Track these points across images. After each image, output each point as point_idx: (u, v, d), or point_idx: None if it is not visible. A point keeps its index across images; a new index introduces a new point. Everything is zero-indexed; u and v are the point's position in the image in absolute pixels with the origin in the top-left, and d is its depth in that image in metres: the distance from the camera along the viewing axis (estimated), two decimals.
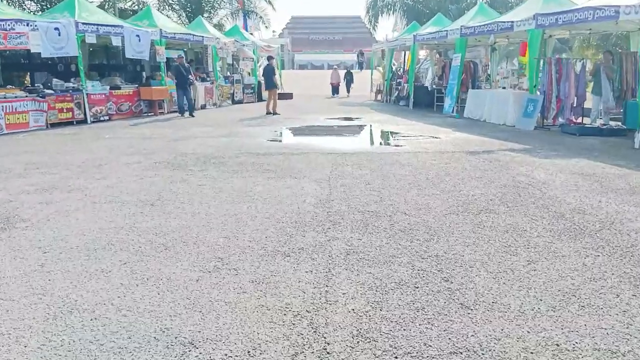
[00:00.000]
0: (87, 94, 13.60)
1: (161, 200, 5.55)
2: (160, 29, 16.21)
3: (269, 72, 16.79)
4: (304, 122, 13.93)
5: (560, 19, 11.06)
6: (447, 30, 15.78)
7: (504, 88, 14.31)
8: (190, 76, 15.24)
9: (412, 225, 4.66)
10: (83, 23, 13.45)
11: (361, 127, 13.30)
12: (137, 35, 15.08)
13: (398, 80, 21.35)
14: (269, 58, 18.16)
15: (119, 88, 14.87)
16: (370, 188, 6.08)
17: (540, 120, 12.00)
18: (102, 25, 14.01)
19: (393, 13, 27.97)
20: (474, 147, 9.16)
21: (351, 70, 28.61)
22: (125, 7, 23.26)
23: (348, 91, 27.30)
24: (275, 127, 12.77)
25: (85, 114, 13.57)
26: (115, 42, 14.47)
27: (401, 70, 22.59)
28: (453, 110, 15.04)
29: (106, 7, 21.63)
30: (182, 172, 6.99)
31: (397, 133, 11.51)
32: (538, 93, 12.17)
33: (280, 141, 10.46)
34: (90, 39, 13.79)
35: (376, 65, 27.51)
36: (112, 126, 12.81)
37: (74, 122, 13.25)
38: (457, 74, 15.03)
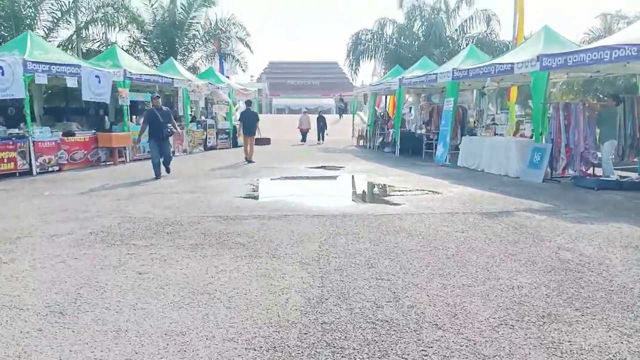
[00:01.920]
0: (33, 141, 11.85)
1: (78, 303, 3.82)
2: (124, 69, 14.71)
3: (249, 117, 15.35)
4: (283, 172, 12.38)
5: (570, 59, 9.92)
6: (436, 74, 14.67)
7: (501, 135, 13.07)
8: (168, 124, 11.16)
9: (453, 351, 3.04)
10: (32, 62, 11.85)
11: (348, 179, 11.79)
12: (97, 76, 13.54)
13: (382, 125, 20.17)
14: (248, 102, 16.81)
15: (73, 134, 13.15)
16: (376, 274, 4.46)
17: (548, 171, 10.69)
18: (55, 64, 12.43)
19: (374, 58, 27.17)
20: (487, 207, 7.68)
21: (323, 115, 26.18)
22: (92, 47, 21.76)
23: (321, 138, 24.73)
24: (250, 178, 11.17)
25: (30, 165, 11.78)
26: (71, 83, 12.86)
27: (385, 115, 21.45)
28: (446, 159, 13.72)
29: (70, 47, 20.13)
30: (121, 250, 5.27)
31: (390, 186, 10.01)
32: (544, 141, 10.92)
33: (256, 198, 8.83)
34: (41, 79, 12.16)
35: (358, 110, 26.47)
36: (60, 179, 11.02)
37: (17, 174, 11.44)
38: (449, 119, 13.81)
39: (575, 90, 32.20)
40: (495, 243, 5.57)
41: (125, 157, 14.45)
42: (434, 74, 14.91)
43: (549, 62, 10.51)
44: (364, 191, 10.05)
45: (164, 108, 11.44)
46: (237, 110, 30.86)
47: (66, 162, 12.74)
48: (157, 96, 11.56)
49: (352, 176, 11.95)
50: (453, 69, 13.64)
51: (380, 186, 10.26)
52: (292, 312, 3.65)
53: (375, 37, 26.92)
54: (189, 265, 4.73)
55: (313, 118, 26.10)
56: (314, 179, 11.56)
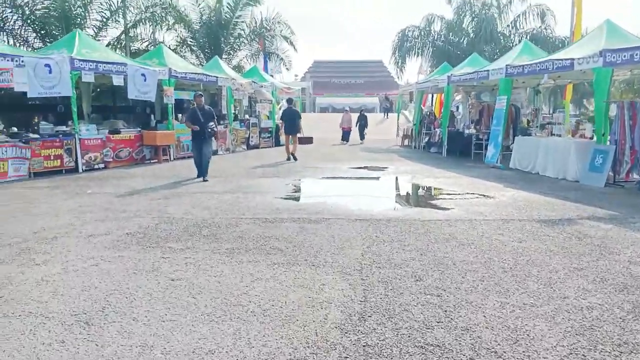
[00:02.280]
0: (79, 139, 12.01)
1: (105, 312, 3.61)
2: (169, 68, 14.77)
3: (291, 115, 15.33)
4: (325, 172, 12.05)
5: (637, 55, 9.13)
6: (488, 70, 13.97)
7: (558, 136, 12.27)
8: (211, 123, 10.40)
9: None
10: (79, 60, 12.01)
11: (393, 180, 11.33)
12: (143, 74, 13.62)
13: (428, 124, 19.52)
14: (289, 100, 16.73)
15: (119, 132, 13.28)
16: (424, 289, 4.05)
17: (611, 175, 9.90)
18: (101, 62, 12.55)
19: (421, 55, 26.43)
20: (545, 213, 7.09)
21: (365, 113, 25.40)
22: (140, 47, 22.13)
23: (362, 137, 24.00)
24: (292, 178, 10.90)
25: (76, 162, 11.94)
26: (117, 81, 12.97)
27: (431, 114, 20.78)
28: (497, 160, 13.02)
29: (119, 46, 20.51)
30: (155, 253, 5.07)
31: (438, 189, 9.51)
32: (608, 143, 10.12)
33: (296, 199, 8.53)
34: (88, 77, 12.31)
35: (402, 109, 25.84)
36: (105, 176, 11.10)
37: (63, 171, 11.61)
38: (501, 118, 13.10)
39: (636, 89, 30.33)
40: (558, 255, 5.03)
41: (169, 155, 14.51)
42: (485, 70, 14.21)
43: (614, 57, 9.72)
44: (409, 194, 9.58)
45: (207, 107, 10.77)
46: (280, 108, 30.87)
47: (112, 159, 12.87)
48: (200, 94, 10.82)
49: (397, 178, 11.49)
50: (507, 65, 12.93)
51: (427, 189, 9.76)
52: (331, 330, 3.30)
53: (422, 33, 26.20)
54: (223, 272, 4.46)
55: (356, 117, 25.42)
56: (356, 180, 11.16)
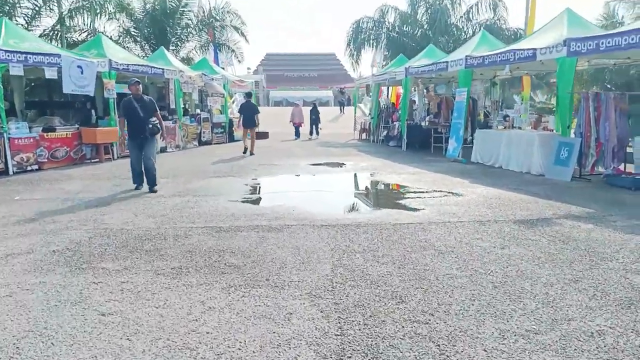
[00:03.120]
0: (9, 138, 10.77)
1: None
2: (110, 59, 13.59)
3: (249, 109, 15.00)
4: (283, 170, 11.33)
5: (603, 43, 8.88)
6: (447, 62, 13.59)
7: (519, 128, 12.03)
8: (153, 119, 8.45)
9: None
10: (6, 51, 10.75)
11: (356, 177, 10.75)
12: (79, 67, 12.43)
13: (386, 118, 19.10)
14: (248, 94, 16.39)
15: (54, 130, 12.07)
16: (409, 314, 3.44)
17: (577, 168, 9.68)
18: (31, 53, 11.30)
19: (375, 47, 26.00)
20: (520, 213, 6.66)
21: (317, 106, 23.66)
22: (79, 38, 20.57)
23: (315, 132, 22.37)
24: (248, 177, 10.12)
25: (6, 164, 10.70)
26: (49, 74, 11.74)
27: (390, 107, 20.38)
28: (459, 154, 12.68)
29: (55, 37, 18.94)
30: (86, 277, 4.23)
31: (404, 187, 8.98)
32: (573, 135, 9.90)
33: (254, 202, 7.77)
34: (16, 70, 11.06)
35: (358, 102, 25.39)
36: (37, 179, 9.96)
37: None
38: (462, 111, 12.75)
39: (585, 80, 31.04)
40: (547, 264, 4.54)
41: (112, 154, 13.38)
42: (444, 62, 13.83)
43: (578, 46, 9.46)
44: (374, 193, 9.00)
45: (146, 97, 8.52)
46: (233, 102, 29.76)
47: (46, 160, 11.67)
48: (136, 81, 8.41)
49: (359, 175, 10.91)
50: (466, 56, 12.57)
51: (392, 186, 9.22)
52: None
53: (376, 25, 25.75)
54: (168, 301, 3.70)
55: (307, 111, 24.17)
56: (317, 178, 10.50)
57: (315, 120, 22.66)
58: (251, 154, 14.54)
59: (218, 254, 4.82)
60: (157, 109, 8.63)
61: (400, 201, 7.71)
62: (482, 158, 12.21)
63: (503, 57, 11.30)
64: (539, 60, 10.61)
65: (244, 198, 7.96)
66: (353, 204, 7.84)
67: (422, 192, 8.43)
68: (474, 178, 9.83)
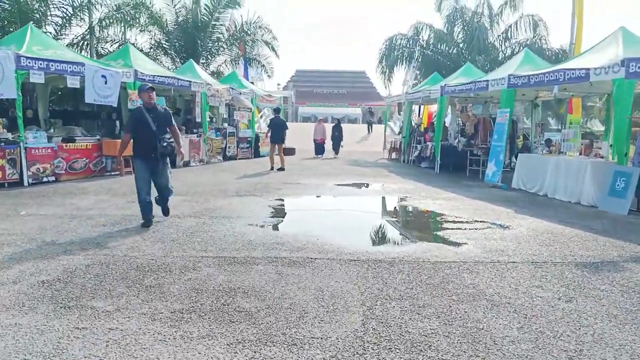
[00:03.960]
0: (25, 147, 10.37)
1: None
2: (135, 69, 13.21)
3: (277, 125, 14.87)
4: (308, 190, 10.61)
5: None
6: (487, 80, 12.74)
7: (566, 154, 11.05)
8: (168, 135, 6.61)
9: None
10: (27, 57, 10.41)
11: (387, 201, 9.95)
12: (103, 76, 12.05)
13: (418, 138, 18.26)
14: (277, 110, 16.04)
15: (73, 141, 11.66)
16: None
17: (635, 200, 8.68)
18: (53, 61, 10.95)
19: (408, 64, 25.26)
20: (580, 253, 5.76)
21: (341, 123, 22.41)
22: (109, 49, 20.45)
23: (336, 151, 21.17)
24: (270, 198, 9.44)
25: (21, 174, 10.29)
26: (71, 82, 11.37)
27: (421, 126, 19.55)
28: (499, 179, 11.75)
29: (85, 47, 18.84)
30: (70, 319, 3.55)
31: (441, 215, 8.13)
32: (631, 164, 8.92)
33: (275, 228, 7.04)
34: (37, 77, 10.70)
35: (388, 120, 24.63)
36: (50, 192, 9.48)
37: (5, 185, 9.97)
38: (503, 134, 11.85)
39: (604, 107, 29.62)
40: (627, 325, 3.67)
41: (133, 167, 12.88)
42: (484, 80, 12.99)
43: (639, 67, 8.53)
44: (409, 221, 8.15)
45: (160, 108, 6.77)
46: (261, 117, 29.35)
47: (64, 171, 11.24)
48: (149, 87, 6.66)
49: (391, 199, 10.11)
50: (509, 75, 11.71)
51: (428, 214, 8.37)
52: None
53: (410, 42, 25.06)
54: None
55: (329, 128, 22.23)
56: (345, 201, 9.74)
57: (337, 137, 21.43)
58: (281, 169, 14.39)
59: (228, 295, 4.09)
60: (174, 122, 6.82)
61: (438, 232, 6.86)
62: (525, 185, 11.26)
63: (551, 76, 10.40)
64: (591, 81, 9.71)
65: (264, 222, 7.24)
66: (385, 234, 7.04)
67: (462, 222, 7.58)
68: (519, 207, 8.92)
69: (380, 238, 6.78)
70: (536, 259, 5.45)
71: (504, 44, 24.12)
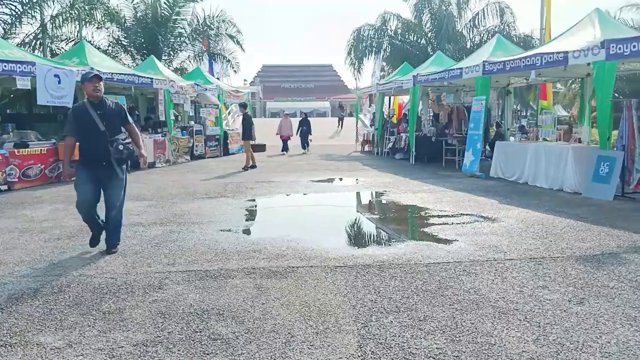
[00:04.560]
0: None
1: None
2: (91, 67, 12.35)
3: (246, 120, 14.22)
4: (282, 188, 10.07)
5: None
6: (461, 68, 12.43)
7: (544, 140, 10.82)
8: (122, 135, 5.18)
9: None
10: None
11: (366, 197, 9.51)
12: (56, 76, 11.20)
13: (391, 129, 17.92)
14: (243, 105, 15.14)
15: (26, 146, 10.80)
16: None
17: (619, 186, 8.47)
18: (1, 60, 10.08)
19: (377, 55, 24.83)
20: (577, 245, 5.42)
21: (308, 117, 21.28)
22: (65, 48, 19.34)
23: (304, 146, 20.07)
24: (243, 198, 8.87)
25: None
26: (21, 83, 10.50)
27: (393, 117, 19.22)
28: (476, 168, 11.46)
29: (37, 47, 17.74)
30: None
31: (424, 209, 7.72)
32: (614, 149, 8.70)
33: (249, 232, 6.49)
34: None
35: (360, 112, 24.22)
36: (2, 203, 8.67)
37: None
38: (480, 122, 11.55)
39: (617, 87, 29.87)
40: None
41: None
42: (457, 68, 12.67)
43: (619, 48, 8.28)
44: (392, 217, 7.67)
45: (110, 102, 5.23)
46: (229, 114, 28.52)
47: (17, 179, 10.38)
48: (95, 76, 5.12)
49: (370, 194, 9.67)
50: (484, 61, 11.40)
51: (411, 209, 7.94)
52: None
53: (378, 33, 24.64)
54: None
55: (294, 122, 20.90)
56: (322, 198, 9.24)
57: (305, 132, 20.30)
58: (252, 167, 13.70)
59: (200, 318, 3.54)
60: (130, 119, 5.36)
61: (425, 229, 6.43)
62: (504, 173, 11.00)
63: (528, 61, 10.12)
64: (568, 65, 9.46)
65: (238, 226, 6.68)
66: (369, 234, 6.58)
67: (448, 215, 7.18)
68: (502, 197, 8.61)
69: (365, 238, 6.33)
70: (533, 255, 5.08)
71: (472, 32, 23.99)
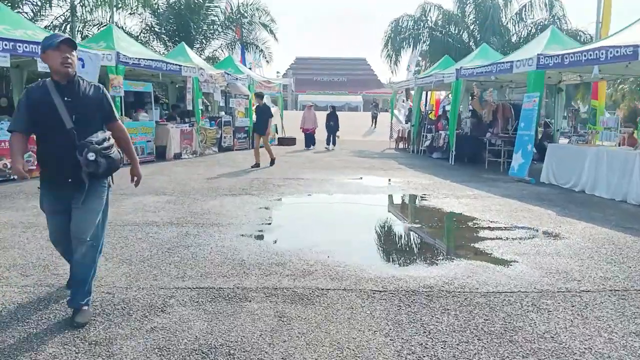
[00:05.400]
0: None
1: None
2: (117, 52, 11.84)
3: (261, 112, 12.46)
4: (312, 187, 9.31)
5: None
6: (512, 62, 11.37)
7: (606, 145, 9.73)
8: (100, 136, 3.25)
9: None
10: None
11: (405, 202, 8.66)
12: (80, 59, 10.67)
13: (429, 126, 16.94)
14: (259, 95, 13.01)
15: None
16: None
17: None
18: (21, 41, 9.60)
19: (415, 47, 23.75)
20: None
21: (336, 111, 19.45)
22: (95, 33, 18.99)
23: (331, 142, 18.22)
24: (269, 197, 8.16)
25: None
26: (42, 66, 9.94)
27: (431, 113, 18.21)
28: (526, 173, 10.45)
29: (65, 30, 17.41)
30: None
31: (471, 219, 6.82)
32: None
33: (274, 239, 5.74)
34: (1, 60, 9.37)
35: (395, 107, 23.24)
36: (16, 191, 8.20)
37: None
38: (532, 121, 10.51)
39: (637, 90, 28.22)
40: None
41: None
42: (507, 62, 11.62)
43: None
44: (437, 228, 6.76)
45: (86, 85, 3.35)
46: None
47: (35, 167, 9.88)
48: (64, 40, 3.19)
49: (409, 198, 8.81)
50: (539, 55, 10.34)
51: (457, 218, 7.03)
52: None
53: (417, 24, 23.55)
54: None
55: (323, 116, 19.19)
56: (356, 201, 8.43)
57: (332, 127, 18.46)
58: (272, 163, 12.26)
59: (205, 359, 2.81)
60: (116, 113, 3.57)
61: (476, 244, 5.56)
62: (557, 179, 9.97)
63: (591, 55, 9.04)
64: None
65: (260, 231, 5.95)
66: (411, 248, 5.76)
67: (500, 228, 6.29)
68: (559, 207, 7.63)
69: (406, 254, 5.50)
70: (613, 285, 4.18)
71: (518, 25, 22.64)
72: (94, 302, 3.55)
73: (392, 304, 3.64)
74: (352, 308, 3.57)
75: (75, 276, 3.39)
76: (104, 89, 3.46)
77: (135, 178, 3.74)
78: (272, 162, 12.36)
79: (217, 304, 3.59)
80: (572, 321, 3.43)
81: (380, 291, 3.90)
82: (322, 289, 3.92)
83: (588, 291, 4.03)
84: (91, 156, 3.13)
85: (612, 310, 3.65)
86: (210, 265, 4.47)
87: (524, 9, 22.25)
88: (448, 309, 3.57)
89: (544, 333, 3.23)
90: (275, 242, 5.55)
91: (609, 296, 3.93)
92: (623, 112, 27.89)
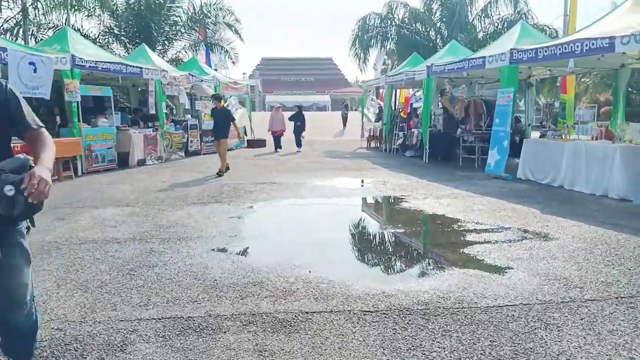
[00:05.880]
0: None
1: None
2: (72, 55, 11.11)
3: (220, 116, 11.54)
4: (286, 192, 8.86)
5: None
6: (484, 57, 11.18)
7: (577, 138, 9.61)
8: (5, 165, 2.08)
9: None
10: None
11: (386, 206, 8.30)
12: (31, 63, 9.96)
13: (401, 124, 16.71)
14: (217, 97, 12.10)
15: None
16: None
17: None
18: None
19: (383, 46, 23.55)
20: None
21: (302, 110, 18.57)
22: (46, 36, 18.03)
23: (298, 144, 17.57)
24: (240, 204, 7.66)
25: None
26: None
27: (402, 111, 17.99)
28: (502, 169, 10.25)
29: (17, 34, 16.45)
30: None
31: (456, 221, 6.49)
32: None
33: (249, 253, 5.27)
34: None
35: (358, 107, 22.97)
36: None
37: None
38: (507, 117, 10.33)
39: (605, 83, 28.74)
40: None
41: (74, 170, 10.86)
42: (479, 57, 11.42)
43: None
44: (420, 232, 6.39)
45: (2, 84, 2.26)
46: (227, 106, 27.25)
47: None
48: None
49: (388, 200, 8.45)
50: (512, 49, 10.16)
51: (441, 221, 6.69)
52: None
53: (384, 21, 23.33)
54: None
55: (286, 116, 18.29)
56: (333, 206, 8.02)
57: (299, 128, 17.69)
58: (219, 174, 10.85)
59: None
60: (36, 118, 2.35)
61: (466, 250, 5.21)
62: (534, 175, 9.81)
63: (565, 48, 8.88)
64: (619, 52, 8.23)
65: (234, 245, 5.47)
66: (398, 258, 5.36)
67: (487, 230, 5.98)
68: (542, 205, 7.41)
69: (393, 264, 5.11)
70: (618, 292, 3.89)
71: (484, 22, 22.71)
72: (41, 342, 3.03)
73: (386, 327, 3.23)
74: (342, 335, 3.14)
75: (20, 342, 2.53)
76: (7, 83, 2.29)
77: (35, 188, 2.00)
78: (220, 173, 10.91)
79: (187, 338, 3.11)
80: (585, 338, 3.10)
81: (372, 312, 3.50)
82: (307, 312, 3.49)
83: (593, 300, 3.72)
84: (9, 190, 2.02)
85: (624, 322, 3.34)
86: (177, 289, 3.97)
87: (489, 5, 22.33)
88: (449, 330, 3.19)
89: (558, 355, 2.88)
90: (250, 256, 5.08)
91: (617, 305, 3.62)
92: (585, 105, 28.34)
